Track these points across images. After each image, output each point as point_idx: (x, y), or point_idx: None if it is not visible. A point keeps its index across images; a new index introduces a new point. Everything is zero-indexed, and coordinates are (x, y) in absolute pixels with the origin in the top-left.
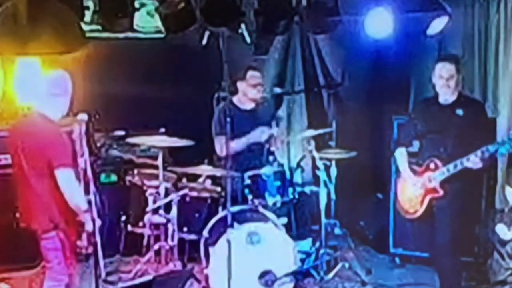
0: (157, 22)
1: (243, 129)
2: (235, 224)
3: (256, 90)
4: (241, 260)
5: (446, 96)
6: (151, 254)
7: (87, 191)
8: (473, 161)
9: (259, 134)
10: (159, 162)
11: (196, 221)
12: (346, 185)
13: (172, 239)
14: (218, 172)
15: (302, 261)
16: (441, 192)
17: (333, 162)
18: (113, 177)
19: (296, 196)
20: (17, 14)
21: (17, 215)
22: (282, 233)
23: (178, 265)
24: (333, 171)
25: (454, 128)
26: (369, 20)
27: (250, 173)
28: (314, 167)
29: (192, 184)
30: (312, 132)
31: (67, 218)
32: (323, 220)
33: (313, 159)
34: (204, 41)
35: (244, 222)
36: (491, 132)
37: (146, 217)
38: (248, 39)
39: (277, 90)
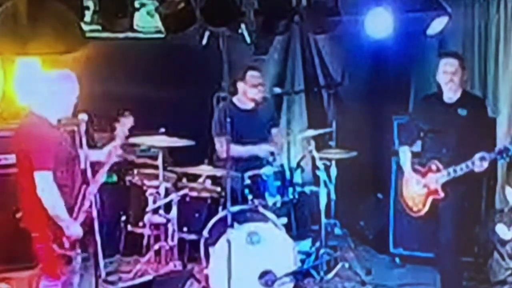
0: (157, 22)
1: (243, 129)
2: (235, 224)
3: (256, 90)
4: (241, 260)
5: (451, 93)
6: (151, 254)
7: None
8: (480, 165)
9: (262, 150)
10: (159, 162)
11: (196, 221)
12: (346, 185)
13: (172, 239)
14: (218, 172)
15: (302, 261)
16: (442, 195)
17: (333, 162)
18: (113, 177)
19: (296, 196)
20: (17, 14)
21: (17, 215)
22: (282, 233)
23: (178, 265)
24: (333, 171)
25: (456, 129)
26: (369, 20)
27: (250, 173)
28: (314, 167)
29: (192, 184)
30: (312, 132)
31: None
32: (323, 220)
33: (313, 159)
34: (204, 41)
35: (244, 222)
36: (492, 132)
37: (146, 217)
38: (248, 39)
39: (277, 90)
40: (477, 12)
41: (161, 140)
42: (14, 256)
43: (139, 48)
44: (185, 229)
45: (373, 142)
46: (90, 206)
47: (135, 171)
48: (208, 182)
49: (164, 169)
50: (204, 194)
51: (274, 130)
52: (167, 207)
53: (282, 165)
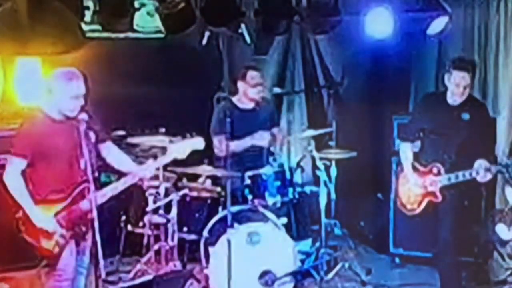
0: (157, 22)
1: (243, 129)
2: (235, 224)
3: (257, 90)
4: (241, 260)
5: (457, 98)
6: (151, 254)
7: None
8: (483, 176)
9: (259, 138)
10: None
11: (196, 221)
12: (346, 185)
13: (172, 239)
14: (218, 172)
15: (302, 261)
16: (440, 198)
17: (333, 162)
18: (113, 177)
19: (296, 196)
20: (17, 14)
21: (17, 215)
22: (282, 233)
23: (178, 265)
24: (333, 171)
25: (458, 134)
26: (369, 20)
27: (250, 173)
28: (314, 167)
29: (192, 184)
30: (312, 132)
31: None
32: (323, 220)
33: (313, 159)
34: (204, 41)
35: (244, 222)
36: (493, 137)
37: (146, 217)
38: (248, 39)
39: (277, 90)
40: (477, 12)
41: (161, 140)
42: (14, 256)
43: (139, 48)
44: (185, 229)
45: (373, 142)
46: (90, 207)
47: None
48: (208, 182)
49: (164, 169)
50: (204, 194)
51: (274, 130)
52: (167, 207)
53: (282, 165)
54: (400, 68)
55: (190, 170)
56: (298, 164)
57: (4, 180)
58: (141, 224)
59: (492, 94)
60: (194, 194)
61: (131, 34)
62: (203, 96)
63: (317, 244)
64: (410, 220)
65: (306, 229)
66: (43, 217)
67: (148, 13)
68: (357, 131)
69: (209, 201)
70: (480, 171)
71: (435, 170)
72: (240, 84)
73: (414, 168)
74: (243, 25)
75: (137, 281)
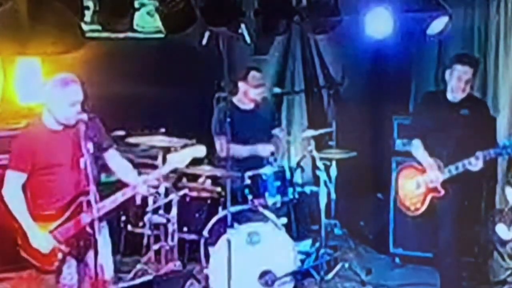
0: (157, 22)
1: (243, 129)
2: (235, 224)
3: (258, 90)
4: (241, 260)
5: (457, 94)
6: (151, 254)
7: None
8: (475, 164)
9: (262, 150)
10: (159, 162)
11: (196, 221)
12: (346, 185)
13: (172, 239)
14: (218, 172)
15: (302, 261)
16: (443, 192)
17: (333, 162)
18: (113, 177)
19: (296, 196)
20: (17, 14)
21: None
22: (282, 233)
23: (178, 265)
24: (333, 171)
25: (458, 129)
26: (369, 20)
27: (250, 173)
28: (314, 167)
29: (192, 184)
30: (312, 132)
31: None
32: (323, 220)
33: (313, 159)
34: (204, 41)
35: (244, 222)
36: (493, 133)
37: (146, 217)
38: (248, 39)
39: (277, 90)
40: (477, 12)
41: (161, 140)
42: (14, 256)
43: (139, 48)
44: (185, 229)
45: (373, 142)
46: (79, 206)
47: (135, 171)
48: (208, 182)
49: None
50: (204, 194)
51: (274, 131)
52: (167, 207)
53: (282, 165)
54: (400, 68)
55: (190, 170)
56: (298, 164)
57: (3, 195)
58: (141, 224)
59: (492, 94)
60: (194, 194)
61: (131, 34)
62: (203, 96)
63: (317, 244)
64: (410, 220)
65: (306, 229)
66: (40, 236)
67: (148, 13)
68: (357, 131)
69: (209, 201)
70: (472, 160)
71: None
72: (241, 85)
73: (414, 168)
74: (243, 25)
75: (137, 281)
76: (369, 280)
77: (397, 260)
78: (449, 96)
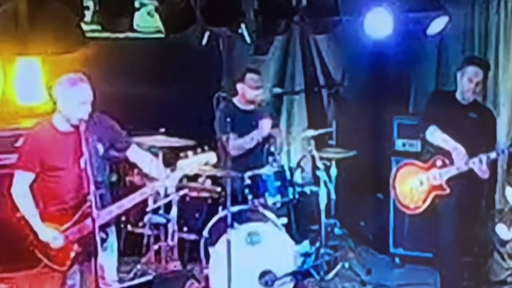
0: (157, 22)
1: (244, 129)
2: (235, 224)
3: (255, 92)
4: (241, 260)
5: (466, 95)
6: (151, 254)
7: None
8: (479, 167)
9: (264, 127)
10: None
11: (196, 221)
12: (346, 185)
13: (172, 239)
14: (218, 172)
15: (302, 261)
16: (448, 190)
17: (333, 162)
18: (113, 177)
19: (296, 196)
20: (17, 14)
21: (17, 215)
22: (282, 233)
23: (178, 265)
24: (333, 171)
25: (466, 130)
26: (369, 20)
27: (250, 173)
28: (314, 167)
29: (192, 184)
30: (312, 132)
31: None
32: (323, 220)
33: (313, 159)
34: (204, 41)
35: (244, 222)
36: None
37: (146, 217)
38: (248, 39)
39: (277, 90)
40: (477, 12)
41: (161, 140)
42: (14, 256)
43: (139, 48)
44: (185, 229)
45: (373, 142)
46: (90, 207)
47: (135, 171)
48: (208, 182)
49: None
50: (204, 194)
51: (274, 131)
52: (167, 207)
53: (282, 165)
54: (400, 68)
55: None
56: (298, 164)
57: (11, 194)
58: (141, 224)
59: (492, 94)
60: (194, 194)
61: (131, 34)
62: (203, 96)
63: (317, 244)
64: (410, 220)
65: (306, 229)
66: (49, 232)
67: (148, 13)
68: (357, 131)
69: (209, 201)
70: (476, 161)
71: (439, 163)
72: (239, 86)
73: (416, 166)
74: (243, 25)
75: (137, 281)
76: (369, 280)
77: (397, 260)
78: (459, 97)
